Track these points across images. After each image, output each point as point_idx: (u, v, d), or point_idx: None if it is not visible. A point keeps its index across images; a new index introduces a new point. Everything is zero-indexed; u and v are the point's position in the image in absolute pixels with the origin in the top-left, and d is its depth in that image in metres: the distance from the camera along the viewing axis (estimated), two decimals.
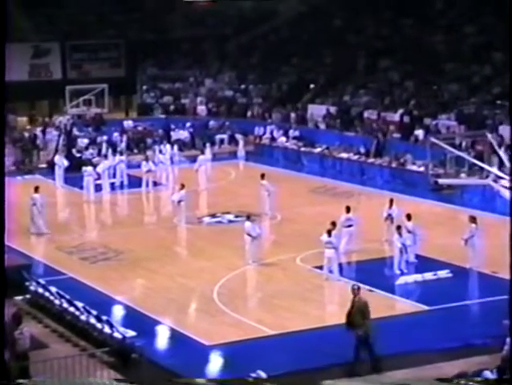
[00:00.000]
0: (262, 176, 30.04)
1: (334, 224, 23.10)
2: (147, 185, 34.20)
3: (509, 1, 21.44)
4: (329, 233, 22.62)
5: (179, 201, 28.75)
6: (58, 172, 35.46)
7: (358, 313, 16.84)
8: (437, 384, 12.25)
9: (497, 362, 15.22)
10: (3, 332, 14.95)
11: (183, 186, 29.11)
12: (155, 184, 34.56)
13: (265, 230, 27.49)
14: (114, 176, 35.40)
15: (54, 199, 33.77)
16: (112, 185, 34.72)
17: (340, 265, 23.19)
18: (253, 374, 15.75)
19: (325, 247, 22.68)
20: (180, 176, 35.65)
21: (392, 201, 26.19)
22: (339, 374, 16.30)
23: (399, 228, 23.41)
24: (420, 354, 17.60)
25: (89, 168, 33.54)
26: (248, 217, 24.80)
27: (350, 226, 24.71)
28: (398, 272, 23.00)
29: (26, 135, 41.15)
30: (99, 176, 33.90)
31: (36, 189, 28.04)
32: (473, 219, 23.52)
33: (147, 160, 35.10)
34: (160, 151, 37.78)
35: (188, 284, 22.82)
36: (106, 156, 37.43)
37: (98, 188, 33.66)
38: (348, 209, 24.93)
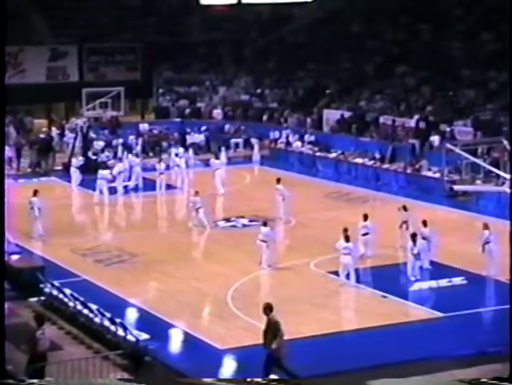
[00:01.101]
0: (278, 180, 30.04)
1: (346, 230, 23.02)
2: (160, 188, 34.21)
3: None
4: (347, 238, 22.60)
5: (198, 208, 28.67)
6: (75, 175, 35.52)
7: (270, 332, 16.45)
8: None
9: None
10: (3, 331, 15.05)
11: (197, 193, 29.15)
12: (168, 186, 34.58)
13: (279, 235, 27.49)
14: (129, 178, 35.47)
15: (70, 201, 33.91)
16: (126, 188, 34.70)
17: (355, 271, 23.14)
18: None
19: (342, 253, 22.63)
20: (195, 179, 35.75)
21: (405, 207, 26.11)
22: (352, 379, 16.27)
23: (414, 235, 23.33)
24: (434, 361, 17.53)
25: (104, 172, 33.56)
26: (265, 223, 24.81)
27: (366, 234, 24.69)
28: (413, 278, 22.93)
29: (43, 137, 41.28)
30: (114, 179, 33.98)
31: (35, 193, 27.80)
32: (485, 226, 23.48)
33: (159, 162, 35.13)
34: (176, 155, 37.80)
35: (202, 288, 22.83)
36: (121, 159, 37.47)
37: (113, 190, 33.75)
38: (366, 217, 24.88)
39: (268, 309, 16.58)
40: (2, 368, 14.41)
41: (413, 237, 23.24)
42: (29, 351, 15.84)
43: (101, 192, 32.92)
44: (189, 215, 29.38)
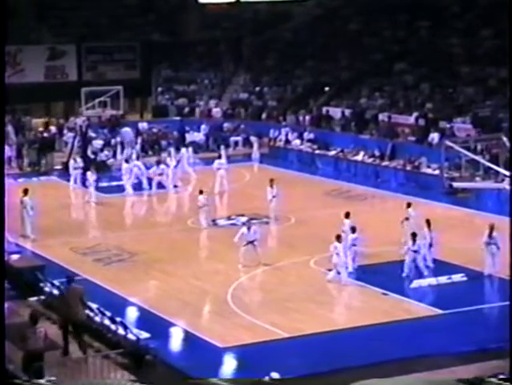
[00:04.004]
0: (271, 181, 29.99)
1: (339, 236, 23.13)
2: (158, 187, 34.17)
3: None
4: (338, 238, 22.75)
5: (202, 206, 28.69)
6: (74, 173, 35.45)
7: (75, 302, 18.00)
8: None
9: None
10: (3, 331, 15.05)
11: (201, 191, 29.13)
12: (163, 186, 34.56)
13: (278, 233, 27.54)
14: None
15: (69, 200, 33.91)
16: (121, 187, 34.62)
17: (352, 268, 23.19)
18: (267, 377, 15.75)
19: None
20: (195, 178, 35.72)
21: (409, 204, 26.09)
22: (352, 377, 16.25)
23: (414, 234, 23.29)
24: (435, 357, 17.54)
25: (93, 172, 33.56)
26: (248, 226, 24.70)
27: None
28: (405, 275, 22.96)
29: (42, 136, 41.25)
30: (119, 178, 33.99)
31: (26, 192, 27.70)
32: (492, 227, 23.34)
33: (158, 163, 35.00)
34: (169, 154, 37.63)
35: (202, 286, 22.83)
36: (127, 161, 37.27)
37: (116, 189, 33.70)
38: (347, 215, 24.78)
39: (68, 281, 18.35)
40: (2, 368, 14.39)
41: (413, 236, 23.21)
42: (21, 348, 15.88)
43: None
44: (190, 213, 29.32)
